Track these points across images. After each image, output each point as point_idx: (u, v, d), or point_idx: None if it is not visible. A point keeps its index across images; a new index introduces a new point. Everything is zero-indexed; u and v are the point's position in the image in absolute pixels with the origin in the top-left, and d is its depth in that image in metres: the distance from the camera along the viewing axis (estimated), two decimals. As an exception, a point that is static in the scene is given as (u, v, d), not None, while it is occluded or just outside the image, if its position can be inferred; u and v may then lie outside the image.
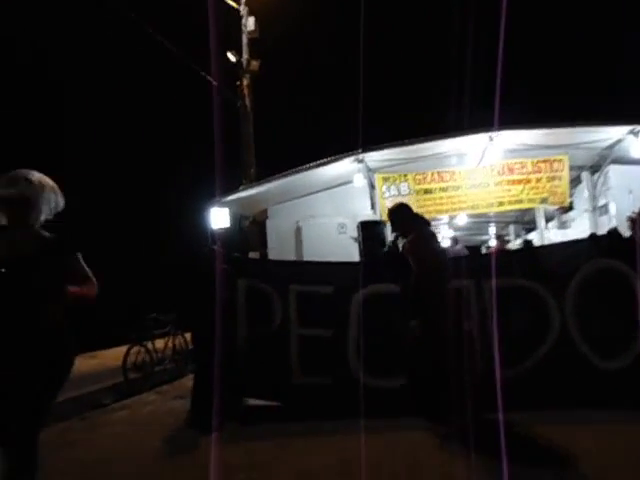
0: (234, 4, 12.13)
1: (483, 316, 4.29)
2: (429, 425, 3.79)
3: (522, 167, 9.60)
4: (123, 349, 6.98)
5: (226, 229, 9.87)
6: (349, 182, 9.86)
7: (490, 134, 8.53)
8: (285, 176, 9.49)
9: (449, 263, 4.21)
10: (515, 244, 14.72)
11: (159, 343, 7.49)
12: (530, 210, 11.50)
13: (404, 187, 9.77)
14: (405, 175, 9.78)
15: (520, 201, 9.81)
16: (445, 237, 14.45)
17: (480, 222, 14.79)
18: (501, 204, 9.86)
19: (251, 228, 11.44)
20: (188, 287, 5.16)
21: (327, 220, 10.38)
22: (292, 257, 9.89)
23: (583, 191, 10.44)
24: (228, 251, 5.25)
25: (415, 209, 4.38)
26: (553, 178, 9.52)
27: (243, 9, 12.22)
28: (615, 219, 9.12)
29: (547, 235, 11.76)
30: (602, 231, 5.94)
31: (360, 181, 9.67)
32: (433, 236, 4.11)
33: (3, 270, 2.12)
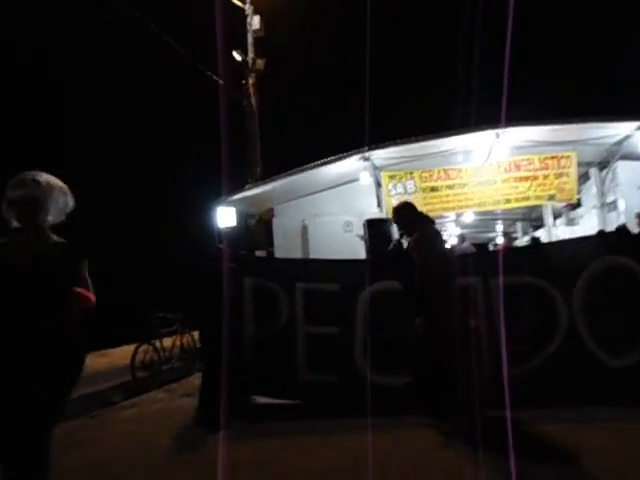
0: (239, 3, 12.15)
1: (490, 314, 4.28)
2: (435, 423, 3.79)
3: (529, 164, 9.53)
4: (131, 348, 7.03)
5: (232, 228, 9.90)
6: (355, 180, 9.85)
7: (497, 131, 8.48)
8: (291, 175, 9.49)
9: (454, 261, 4.20)
10: (522, 241, 14.65)
11: (167, 342, 7.53)
12: (537, 207, 11.42)
13: (410, 185, 9.74)
14: (411, 173, 9.75)
15: (527, 198, 9.74)
16: (452, 235, 14.41)
17: (487, 219, 14.71)
18: (508, 201, 9.80)
19: (257, 227, 11.46)
20: (195, 286, 5.19)
21: (333, 218, 10.38)
22: (298, 255, 9.89)
23: (591, 187, 10.35)
24: (234, 250, 5.26)
25: (421, 207, 4.38)
26: (561, 175, 9.45)
27: (248, 8, 12.23)
28: (624, 216, 9.04)
29: (555, 232, 11.68)
30: (610, 228, 5.90)
31: (366, 179, 9.65)
32: (438, 234, 4.10)
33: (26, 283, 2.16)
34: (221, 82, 10.84)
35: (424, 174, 9.74)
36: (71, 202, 2.43)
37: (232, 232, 9.79)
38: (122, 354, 8.47)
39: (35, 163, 2.42)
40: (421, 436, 3.64)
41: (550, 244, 7.01)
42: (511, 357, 4.00)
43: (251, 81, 12.19)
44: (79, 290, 2.26)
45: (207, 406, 4.45)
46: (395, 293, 4.38)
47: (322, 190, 10.55)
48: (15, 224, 2.28)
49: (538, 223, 13.95)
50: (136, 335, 7.35)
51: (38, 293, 2.18)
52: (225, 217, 9.81)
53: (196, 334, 7.26)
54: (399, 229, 4.33)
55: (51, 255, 2.26)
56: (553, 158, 9.43)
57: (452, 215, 12.54)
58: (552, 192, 9.56)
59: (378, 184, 9.97)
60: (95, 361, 8.18)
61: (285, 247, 10.45)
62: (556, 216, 12.38)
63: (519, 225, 16.41)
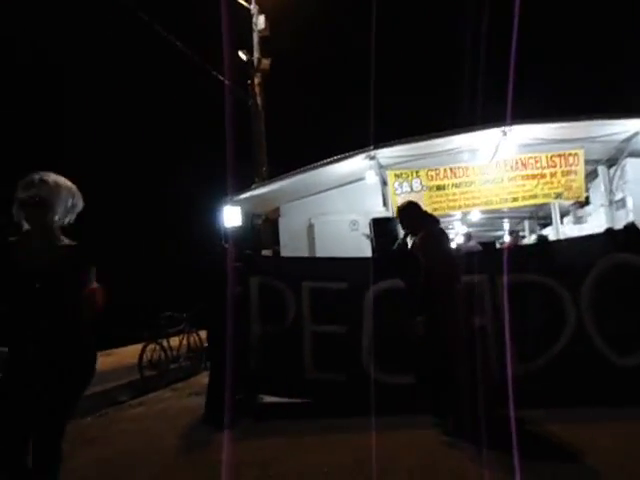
0: (245, 3, 12.16)
1: (497, 312, 4.26)
2: (440, 422, 3.78)
3: (536, 162, 9.46)
4: (139, 347, 7.07)
5: (238, 227, 9.92)
6: (361, 179, 9.83)
7: (503, 129, 8.42)
8: (297, 174, 9.49)
9: (459, 261, 4.17)
10: (530, 239, 14.56)
11: (174, 341, 7.57)
12: (545, 205, 11.34)
13: (416, 183, 9.70)
14: (417, 171, 9.72)
15: (534, 196, 9.67)
16: (458, 233, 14.35)
17: (494, 218, 14.63)
18: (515, 200, 9.74)
19: (264, 226, 11.48)
20: (202, 285, 5.21)
21: (339, 217, 10.37)
22: (305, 255, 9.90)
23: (599, 185, 10.26)
24: (241, 249, 5.28)
25: (428, 205, 4.37)
26: (568, 172, 9.37)
27: (253, 8, 12.24)
28: (632, 213, 8.96)
29: (562, 230, 11.59)
30: (619, 226, 5.84)
31: (372, 178, 9.63)
32: (443, 234, 4.09)
33: (37, 285, 2.17)
34: (227, 82, 10.87)
35: (430, 172, 9.70)
36: (80, 202, 2.43)
37: (238, 232, 9.81)
38: (129, 353, 8.52)
39: (43, 164, 2.43)
40: (428, 435, 3.63)
41: (557, 242, 6.96)
42: (518, 356, 3.99)
43: (257, 81, 12.19)
44: (94, 287, 2.26)
45: (214, 405, 4.47)
46: (401, 292, 4.37)
47: (328, 189, 10.55)
48: (26, 226, 2.29)
49: (545, 221, 13.86)
50: (143, 334, 7.40)
51: (46, 294, 2.20)
52: (231, 217, 9.83)
53: (203, 333, 7.30)
54: (403, 228, 4.32)
55: (60, 257, 2.27)
56: (560, 156, 9.35)
57: (458, 214, 12.47)
58: (560, 190, 9.48)
59: (384, 183, 9.94)
60: (102, 360, 8.20)
61: (291, 246, 10.46)
62: (564, 214, 12.29)
63: (526, 223, 16.31)
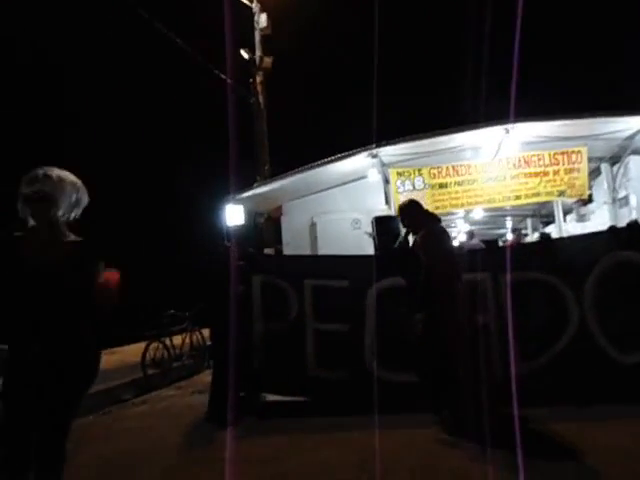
0: (247, 1, 12.14)
1: (500, 310, 4.25)
2: (441, 420, 3.78)
3: (539, 159, 9.43)
4: (142, 345, 7.09)
5: (241, 226, 9.92)
6: (363, 177, 9.82)
7: (506, 126, 8.40)
8: (299, 172, 9.49)
9: (460, 260, 4.17)
10: (533, 238, 14.53)
11: (177, 339, 7.59)
12: (548, 203, 11.31)
13: (419, 181, 9.68)
14: (420, 169, 9.70)
15: (537, 194, 9.65)
16: (461, 231, 14.33)
17: (497, 216, 14.61)
18: (518, 197, 9.71)
19: (266, 225, 11.49)
20: (202, 285, 5.21)
21: (341, 216, 10.37)
22: (307, 253, 9.90)
23: (602, 183, 10.23)
24: (243, 248, 5.28)
25: (430, 203, 4.36)
26: (571, 170, 9.34)
27: (255, 6, 12.22)
28: (635, 211, 8.93)
29: (565, 228, 11.56)
30: (622, 224, 5.82)
31: (374, 176, 9.63)
32: (444, 232, 4.08)
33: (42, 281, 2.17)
34: (229, 80, 10.86)
35: (433, 170, 9.68)
36: (85, 197, 2.40)
37: (241, 230, 9.81)
38: (132, 352, 8.54)
39: (46, 162, 2.42)
40: (429, 434, 3.63)
41: (560, 240, 6.94)
42: (521, 354, 3.98)
43: (259, 79, 12.18)
44: (107, 276, 2.24)
45: (217, 403, 4.48)
46: (403, 290, 4.37)
47: (330, 188, 10.54)
48: (31, 222, 2.28)
49: (548, 219, 13.82)
50: (146, 333, 7.41)
51: (49, 290, 2.19)
52: (234, 215, 9.84)
53: (205, 332, 7.31)
54: (405, 227, 4.32)
55: (65, 253, 2.25)
56: (563, 153, 9.32)
57: (461, 212, 12.46)
58: (562, 188, 9.45)
59: (386, 181, 9.93)
60: (106, 359, 8.23)
61: (294, 245, 10.46)
62: (567, 212, 12.26)
63: (529, 221, 16.27)
